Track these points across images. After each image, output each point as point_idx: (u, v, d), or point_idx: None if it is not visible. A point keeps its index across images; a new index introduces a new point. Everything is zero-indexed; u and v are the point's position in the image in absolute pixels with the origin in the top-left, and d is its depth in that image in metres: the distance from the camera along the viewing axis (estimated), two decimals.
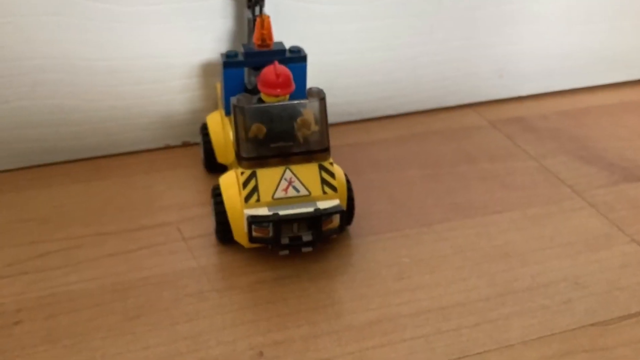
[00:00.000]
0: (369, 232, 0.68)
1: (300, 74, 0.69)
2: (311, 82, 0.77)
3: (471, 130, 0.87)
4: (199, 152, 0.78)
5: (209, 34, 0.77)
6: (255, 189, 0.61)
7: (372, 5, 0.82)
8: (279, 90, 0.62)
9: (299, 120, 0.63)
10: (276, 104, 0.63)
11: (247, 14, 0.73)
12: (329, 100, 0.65)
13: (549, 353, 0.54)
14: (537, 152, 0.82)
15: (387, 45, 0.85)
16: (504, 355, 0.54)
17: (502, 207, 0.72)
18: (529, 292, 0.61)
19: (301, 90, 0.67)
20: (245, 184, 0.61)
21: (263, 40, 0.69)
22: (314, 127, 0.63)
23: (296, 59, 0.69)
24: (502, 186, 0.76)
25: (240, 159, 0.62)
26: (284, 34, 0.77)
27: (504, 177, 0.77)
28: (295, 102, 0.63)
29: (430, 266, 0.64)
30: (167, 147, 0.81)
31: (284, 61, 0.67)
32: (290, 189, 0.62)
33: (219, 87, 0.76)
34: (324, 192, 0.62)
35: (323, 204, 0.61)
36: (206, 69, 0.79)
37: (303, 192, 0.62)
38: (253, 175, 0.62)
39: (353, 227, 0.68)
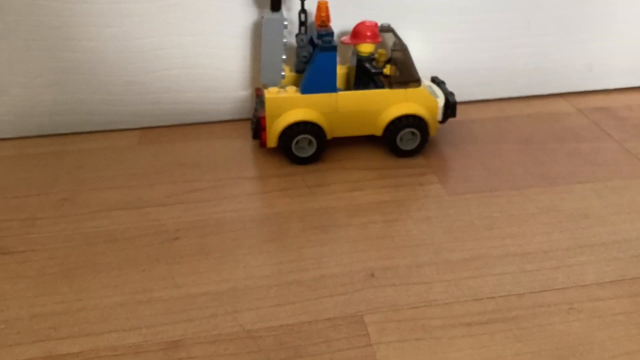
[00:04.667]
0: (466, 191, 0.74)
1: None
2: (419, 66, 0.85)
3: (560, 116, 0.92)
4: None
5: None
6: None
7: (477, 1, 0.88)
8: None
9: None
10: None
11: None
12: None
13: (620, 293, 0.59)
14: (620, 136, 0.86)
15: (487, 37, 0.91)
16: (579, 292, 0.59)
17: (585, 179, 0.77)
18: (604, 247, 0.65)
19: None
20: None
21: (322, 22, 0.77)
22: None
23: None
24: (586, 162, 0.80)
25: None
26: (406, 23, 0.85)
27: (588, 154, 0.82)
28: None
29: (519, 221, 0.69)
30: None
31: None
32: None
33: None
34: None
35: None
36: None
37: None
38: None
39: (452, 186, 0.75)
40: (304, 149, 0.78)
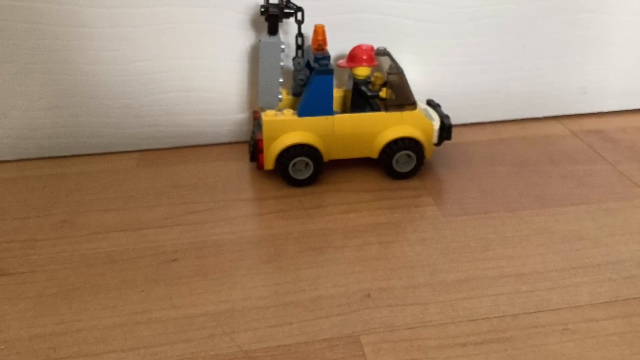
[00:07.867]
0: (461, 213, 0.76)
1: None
2: (415, 89, 0.87)
3: (555, 138, 0.94)
4: None
5: None
6: None
7: (472, 25, 0.90)
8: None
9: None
10: None
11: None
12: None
13: (614, 314, 0.60)
14: (614, 158, 0.88)
15: (482, 60, 0.93)
16: (573, 313, 0.60)
17: (580, 200, 0.78)
18: (598, 268, 0.67)
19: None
20: None
21: (319, 46, 0.79)
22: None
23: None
24: (580, 184, 0.82)
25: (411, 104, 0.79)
26: (402, 46, 0.87)
27: (582, 177, 0.83)
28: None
29: (513, 243, 0.70)
30: None
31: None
32: None
33: None
34: None
35: None
36: None
37: None
38: None
39: (447, 208, 0.76)
40: (301, 171, 0.79)
